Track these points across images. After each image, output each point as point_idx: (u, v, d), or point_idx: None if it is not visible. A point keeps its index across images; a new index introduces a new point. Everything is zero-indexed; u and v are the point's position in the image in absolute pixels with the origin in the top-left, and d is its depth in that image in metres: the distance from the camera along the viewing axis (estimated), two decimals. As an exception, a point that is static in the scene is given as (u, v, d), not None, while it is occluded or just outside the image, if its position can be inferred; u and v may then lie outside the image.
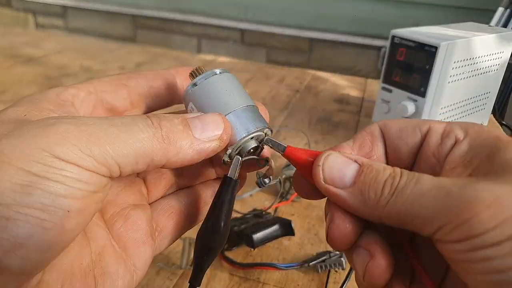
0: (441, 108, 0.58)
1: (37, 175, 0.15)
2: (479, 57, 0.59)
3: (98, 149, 0.16)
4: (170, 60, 1.05)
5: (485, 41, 0.58)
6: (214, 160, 0.23)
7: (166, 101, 0.24)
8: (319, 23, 1.75)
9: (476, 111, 0.66)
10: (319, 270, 0.39)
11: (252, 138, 0.21)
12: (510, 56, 0.65)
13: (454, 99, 0.60)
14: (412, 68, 0.55)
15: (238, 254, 0.40)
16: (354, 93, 0.90)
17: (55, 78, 0.86)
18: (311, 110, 0.79)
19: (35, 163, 0.15)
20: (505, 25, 0.79)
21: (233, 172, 0.21)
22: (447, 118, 0.61)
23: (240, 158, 0.21)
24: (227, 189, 0.21)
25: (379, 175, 0.17)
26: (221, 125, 0.19)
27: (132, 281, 0.20)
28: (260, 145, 0.22)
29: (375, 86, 0.95)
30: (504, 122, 0.77)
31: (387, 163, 0.21)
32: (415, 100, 0.56)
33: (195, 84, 0.21)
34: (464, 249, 0.15)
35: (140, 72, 0.23)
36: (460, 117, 0.63)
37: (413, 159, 0.20)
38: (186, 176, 0.24)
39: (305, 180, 0.20)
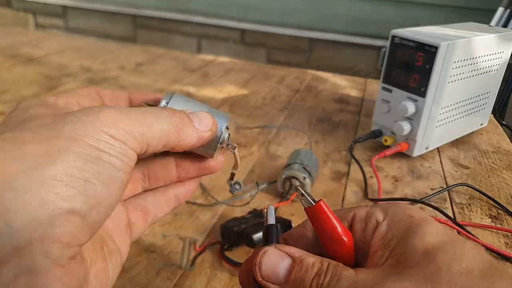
0: (441, 108, 0.58)
1: (102, 151, 0.18)
2: (479, 57, 0.59)
3: (137, 130, 0.20)
4: (170, 60, 1.05)
5: (485, 41, 0.58)
6: (179, 162, 0.27)
7: None
8: (319, 23, 1.75)
9: (476, 111, 0.66)
10: None
11: (227, 128, 0.26)
12: (510, 56, 0.65)
13: (454, 99, 0.60)
14: (412, 68, 0.55)
15: (238, 254, 0.40)
16: (354, 93, 0.90)
17: (55, 78, 0.86)
18: (311, 110, 0.79)
19: (99, 141, 0.18)
20: (505, 25, 0.79)
21: (272, 219, 0.23)
22: (448, 118, 0.61)
23: (273, 207, 0.24)
24: (272, 236, 0.22)
25: (307, 274, 0.20)
26: (211, 119, 0.24)
27: (121, 261, 0.24)
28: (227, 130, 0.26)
29: (375, 86, 0.95)
30: (504, 122, 0.77)
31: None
32: (415, 100, 0.56)
33: (171, 97, 0.26)
34: None
35: (103, 90, 0.27)
36: (460, 117, 0.63)
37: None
38: (151, 179, 0.27)
39: (249, 277, 0.22)
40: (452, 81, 0.56)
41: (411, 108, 0.56)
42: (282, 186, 0.49)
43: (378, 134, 0.62)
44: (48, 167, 0.17)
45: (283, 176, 0.48)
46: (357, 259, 0.22)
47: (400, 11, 1.57)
